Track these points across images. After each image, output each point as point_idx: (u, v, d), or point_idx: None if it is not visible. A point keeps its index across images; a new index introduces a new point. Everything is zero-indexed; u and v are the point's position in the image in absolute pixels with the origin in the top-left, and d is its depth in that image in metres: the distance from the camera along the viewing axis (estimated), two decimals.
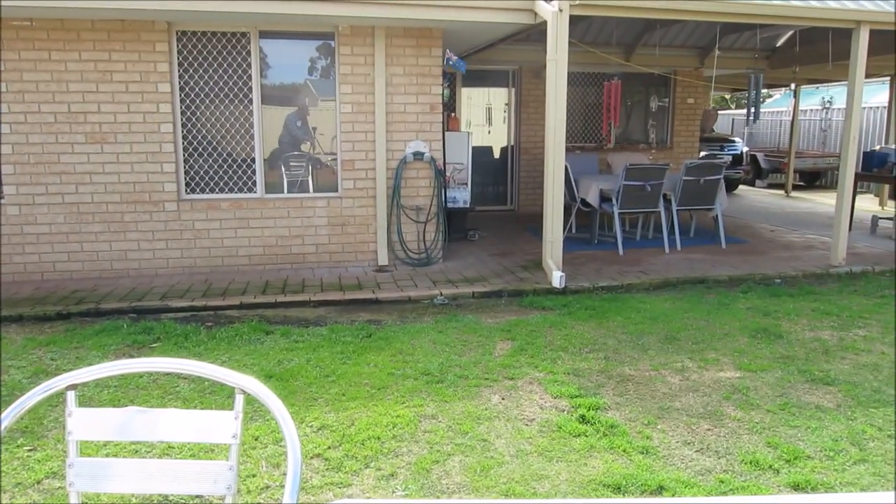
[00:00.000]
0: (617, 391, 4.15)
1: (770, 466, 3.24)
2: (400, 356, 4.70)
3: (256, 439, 3.48)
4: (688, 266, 7.26)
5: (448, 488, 3.07)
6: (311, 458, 3.32)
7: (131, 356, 4.71)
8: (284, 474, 3.16)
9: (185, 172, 6.92)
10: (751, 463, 3.28)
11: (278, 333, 5.17)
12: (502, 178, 11.58)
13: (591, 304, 5.94)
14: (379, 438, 3.51)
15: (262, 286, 6.45)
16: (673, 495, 2.96)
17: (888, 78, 12.53)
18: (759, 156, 16.14)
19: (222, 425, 1.59)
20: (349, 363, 4.56)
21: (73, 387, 1.58)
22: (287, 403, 1.92)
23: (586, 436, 3.55)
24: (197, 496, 2.91)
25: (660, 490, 3.02)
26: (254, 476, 3.14)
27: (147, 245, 6.85)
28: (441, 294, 6.24)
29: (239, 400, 1.59)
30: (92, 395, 3.97)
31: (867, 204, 12.55)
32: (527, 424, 3.71)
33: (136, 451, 3.34)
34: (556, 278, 6.40)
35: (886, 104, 13.07)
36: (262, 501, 2.95)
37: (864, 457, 3.33)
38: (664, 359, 4.68)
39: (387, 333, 5.18)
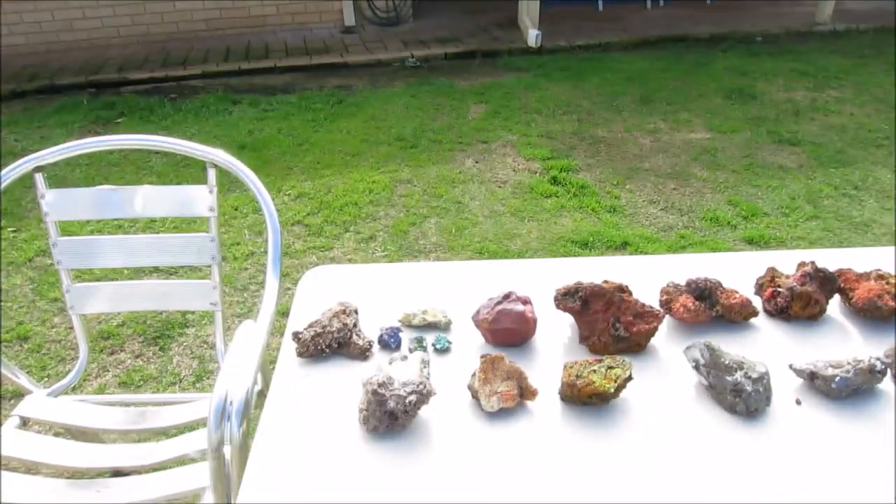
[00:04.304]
0: (589, 153, 4.22)
1: (728, 223, 3.43)
2: (372, 122, 4.65)
3: (236, 209, 3.56)
4: (669, 23, 6.97)
5: (425, 248, 3.24)
6: (292, 224, 3.43)
7: (97, 133, 4.60)
8: (267, 241, 3.28)
9: None
10: (711, 220, 3.46)
11: (246, 103, 5.03)
12: None
13: (568, 65, 5.79)
14: (356, 204, 3.61)
15: (223, 53, 6.12)
16: (636, 250, 3.16)
17: None
18: None
19: (198, 199, 1.61)
20: (321, 131, 4.52)
21: (39, 169, 1.55)
22: (262, 174, 1.92)
23: (557, 196, 3.68)
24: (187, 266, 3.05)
25: (624, 245, 3.21)
26: (238, 244, 3.27)
27: (92, 13, 6.30)
28: (412, 56, 5.99)
29: (211, 174, 1.60)
30: (65, 175, 3.94)
31: None
32: (500, 186, 3.81)
33: (120, 227, 3.40)
34: (532, 37, 6.14)
35: None
36: (249, 267, 3.10)
37: (817, 214, 3.52)
38: (637, 120, 4.70)
39: (358, 99, 5.07)
